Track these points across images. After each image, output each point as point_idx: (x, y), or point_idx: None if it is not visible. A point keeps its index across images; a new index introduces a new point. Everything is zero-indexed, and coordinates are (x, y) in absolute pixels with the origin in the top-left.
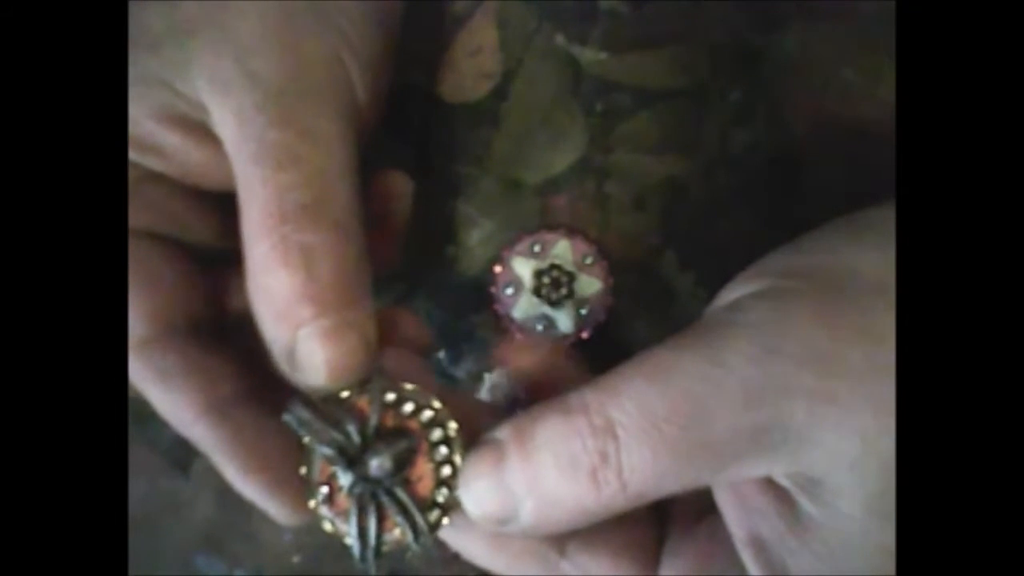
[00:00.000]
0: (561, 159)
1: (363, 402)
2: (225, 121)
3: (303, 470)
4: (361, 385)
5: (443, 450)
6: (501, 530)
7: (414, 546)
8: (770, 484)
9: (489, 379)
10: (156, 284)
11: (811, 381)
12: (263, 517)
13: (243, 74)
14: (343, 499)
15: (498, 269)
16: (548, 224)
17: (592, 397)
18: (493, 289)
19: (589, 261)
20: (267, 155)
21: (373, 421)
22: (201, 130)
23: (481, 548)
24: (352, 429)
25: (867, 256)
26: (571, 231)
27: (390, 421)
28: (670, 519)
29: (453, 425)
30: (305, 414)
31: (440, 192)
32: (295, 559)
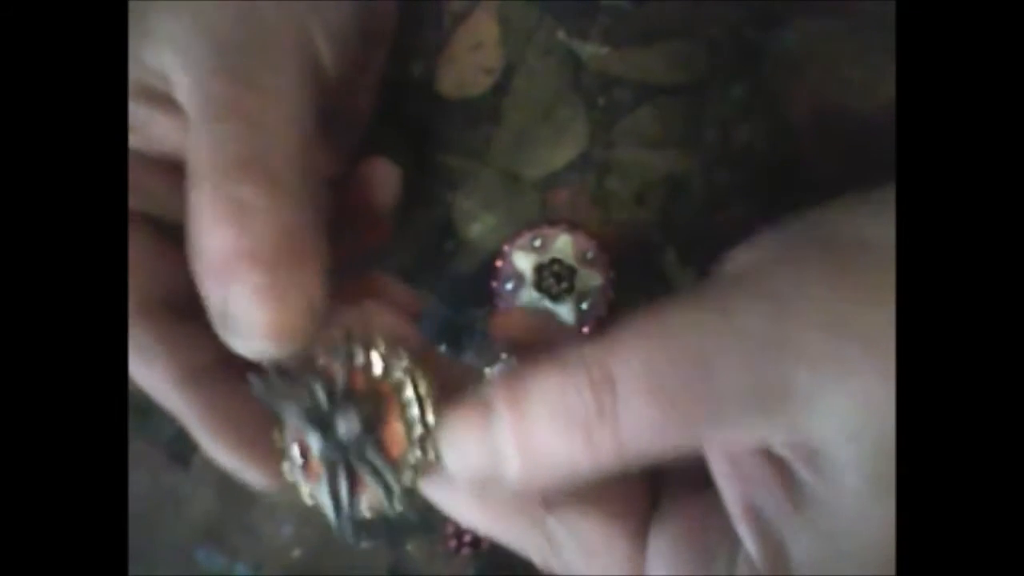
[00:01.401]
0: (562, 154)
1: (331, 364)
2: (181, 82)
3: (275, 437)
4: (329, 347)
5: (415, 409)
6: (484, 490)
7: (389, 509)
8: (768, 455)
9: (491, 374)
10: (144, 260)
11: (819, 343)
12: (263, 511)
13: (199, 31)
14: (316, 464)
15: (499, 263)
16: (549, 219)
17: (591, 350)
18: (494, 283)
19: (590, 256)
20: (211, 107)
21: (340, 382)
22: (168, 102)
23: (465, 505)
24: (320, 392)
25: (877, 227)
26: (572, 226)
27: (360, 382)
28: (663, 493)
29: (425, 383)
30: (271, 380)
31: (440, 187)
32: (295, 553)
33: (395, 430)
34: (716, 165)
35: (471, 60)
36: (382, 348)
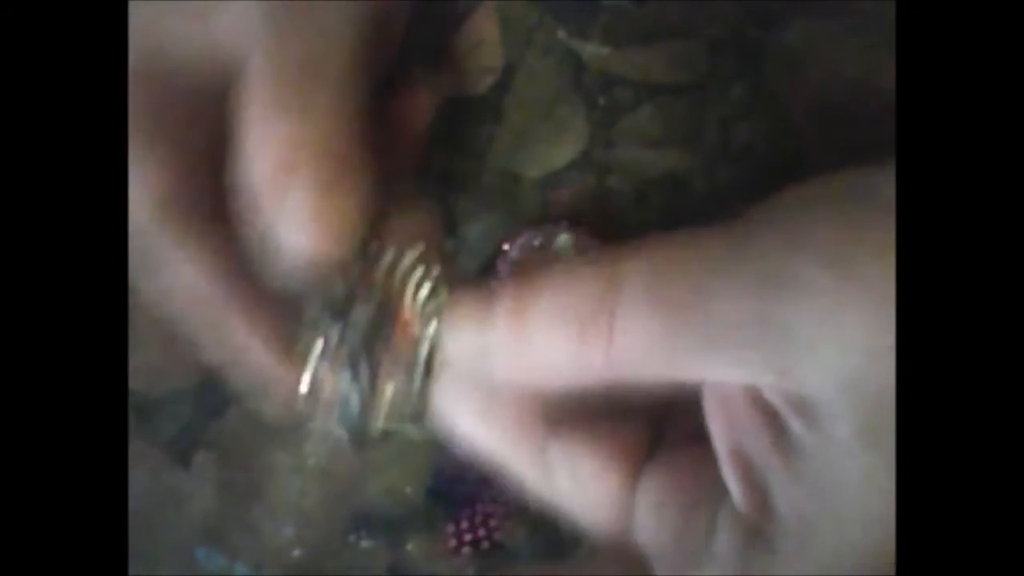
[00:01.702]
0: (563, 153)
1: (342, 264)
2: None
3: (298, 332)
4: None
5: (427, 288)
6: (476, 366)
7: (406, 402)
8: (760, 401)
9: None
10: (183, 149)
11: (825, 282)
12: (263, 511)
13: None
14: (337, 353)
15: (500, 263)
16: (550, 218)
17: (606, 254)
18: (495, 282)
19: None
20: (274, 19)
21: (355, 271)
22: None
23: (470, 420)
24: (337, 282)
25: (890, 188)
26: (573, 225)
27: (374, 273)
28: (662, 442)
29: (436, 264)
30: (292, 276)
31: (441, 186)
32: (295, 553)
33: (409, 313)
34: (717, 164)
35: (472, 60)
36: (395, 239)
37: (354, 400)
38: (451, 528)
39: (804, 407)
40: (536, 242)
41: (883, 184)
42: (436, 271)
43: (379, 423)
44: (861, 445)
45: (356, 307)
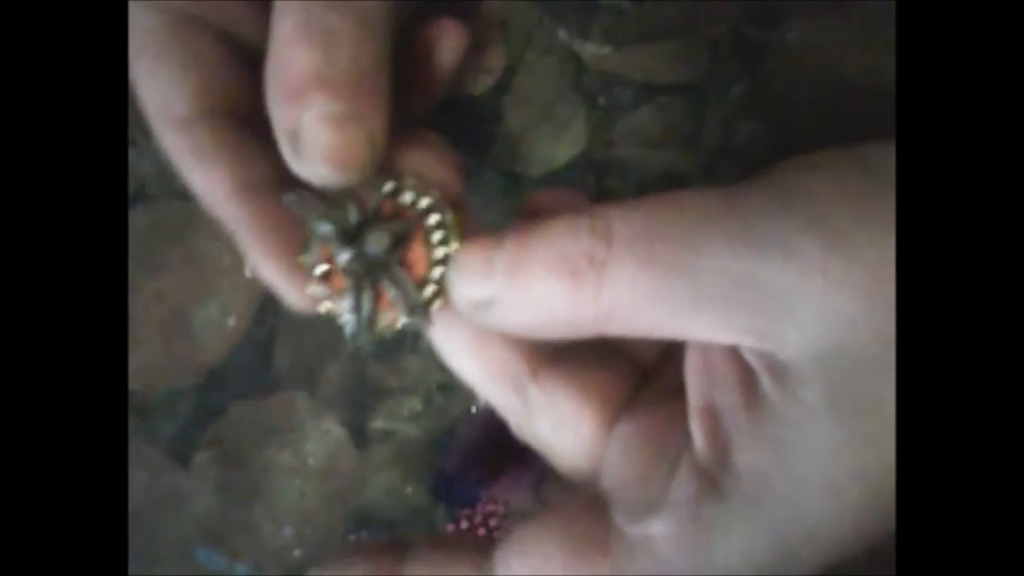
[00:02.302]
0: (563, 153)
1: (362, 190)
2: None
3: (303, 253)
4: (387, 179)
5: (439, 234)
6: (478, 315)
7: (406, 325)
8: (738, 360)
9: None
10: (200, 65)
11: (812, 249)
12: (263, 511)
13: None
14: (340, 278)
15: None
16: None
17: (602, 207)
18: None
19: None
20: None
21: (372, 203)
22: None
23: (461, 353)
24: (352, 210)
25: (887, 154)
26: None
27: (389, 208)
28: (643, 392)
29: (450, 213)
30: (306, 196)
31: None
32: (295, 553)
33: (419, 252)
34: (716, 164)
35: (471, 60)
36: (413, 181)
37: (350, 326)
38: (451, 528)
39: (778, 369)
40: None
41: (881, 158)
42: (449, 218)
43: (370, 347)
44: (829, 413)
45: (367, 238)
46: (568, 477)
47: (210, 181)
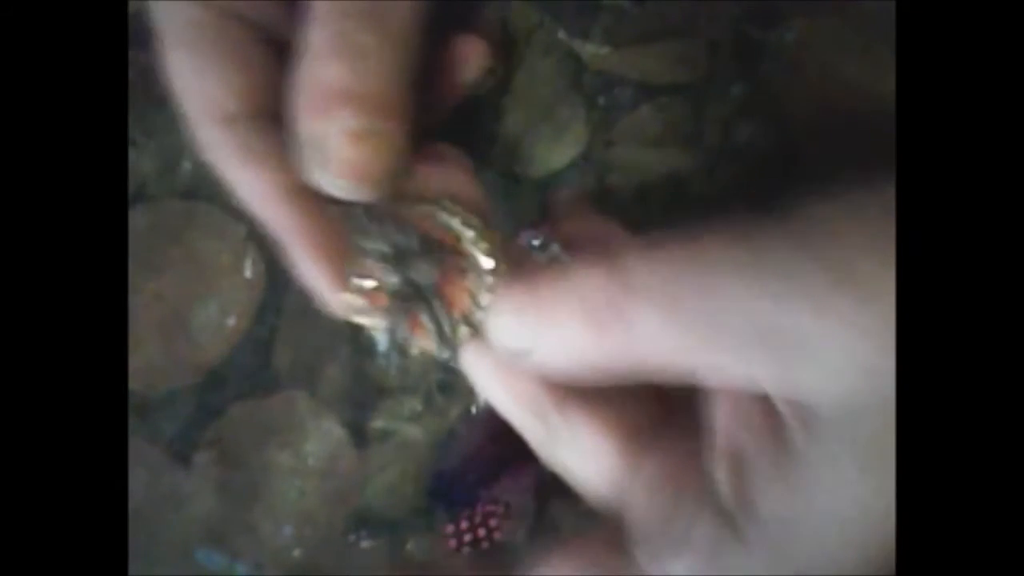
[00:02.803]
0: (563, 153)
1: (426, 218)
2: None
3: (352, 264)
4: (428, 202)
5: (488, 279)
6: (515, 361)
7: (438, 354)
8: (765, 402)
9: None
10: (250, 62)
11: (835, 296)
12: (263, 511)
13: None
14: (382, 296)
15: None
16: (549, 218)
17: (624, 249)
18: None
19: None
20: None
21: (431, 234)
22: None
23: (491, 380)
24: (411, 236)
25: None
26: None
27: (446, 240)
28: (670, 425)
29: (502, 260)
30: (368, 214)
31: None
32: (295, 553)
33: (463, 288)
34: (716, 164)
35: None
36: (475, 220)
37: (383, 344)
38: (451, 528)
39: (805, 414)
40: (536, 242)
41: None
42: (501, 267)
43: (398, 367)
44: (855, 463)
45: (417, 265)
46: (592, 505)
47: (259, 182)
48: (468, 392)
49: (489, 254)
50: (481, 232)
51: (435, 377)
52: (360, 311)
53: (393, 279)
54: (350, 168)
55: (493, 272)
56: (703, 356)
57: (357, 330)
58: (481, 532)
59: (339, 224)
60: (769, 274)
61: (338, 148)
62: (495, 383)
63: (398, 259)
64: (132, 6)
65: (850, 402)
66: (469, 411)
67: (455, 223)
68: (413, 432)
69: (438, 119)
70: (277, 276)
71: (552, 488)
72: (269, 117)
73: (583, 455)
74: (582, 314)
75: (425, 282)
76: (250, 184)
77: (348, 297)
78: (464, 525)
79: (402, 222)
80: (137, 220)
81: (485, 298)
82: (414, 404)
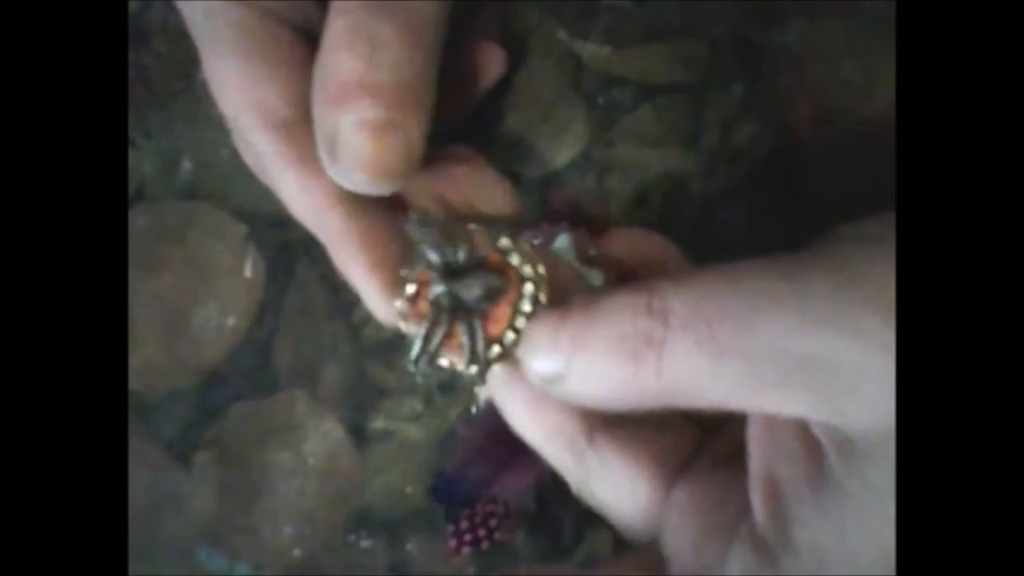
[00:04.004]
0: (562, 153)
1: (479, 236)
2: None
3: (404, 271)
4: (486, 224)
5: (527, 305)
6: (547, 388)
7: (466, 371)
8: (806, 432)
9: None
10: (298, 68)
11: (874, 328)
12: (263, 511)
13: None
14: (424, 305)
15: None
16: (549, 218)
17: (661, 282)
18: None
19: (591, 254)
20: None
21: (481, 252)
22: None
23: (521, 413)
24: (462, 251)
25: None
26: (572, 225)
27: (493, 259)
28: (704, 452)
29: (546, 290)
30: (429, 220)
31: None
32: (295, 553)
33: (503, 313)
34: (716, 164)
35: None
36: (526, 245)
37: (415, 351)
38: (451, 528)
39: (845, 445)
40: (536, 242)
41: None
42: (544, 294)
43: (423, 376)
44: (892, 492)
45: (465, 281)
46: (629, 536)
47: (309, 188)
48: (468, 392)
49: (533, 280)
50: (527, 257)
51: (435, 377)
52: (403, 316)
53: (438, 289)
54: (365, 161)
55: (534, 298)
56: (739, 387)
57: (357, 330)
58: (481, 532)
59: (390, 231)
60: (807, 305)
61: (352, 140)
62: (526, 417)
63: (446, 271)
64: (132, 6)
65: (884, 428)
66: (469, 411)
67: (505, 244)
68: (413, 432)
69: (452, 123)
70: (277, 276)
71: (552, 488)
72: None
73: (616, 489)
74: (615, 343)
75: (468, 297)
76: (300, 190)
77: (397, 302)
78: (464, 525)
79: (454, 235)
80: (137, 220)
81: (521, 321)
82: (414, 404)
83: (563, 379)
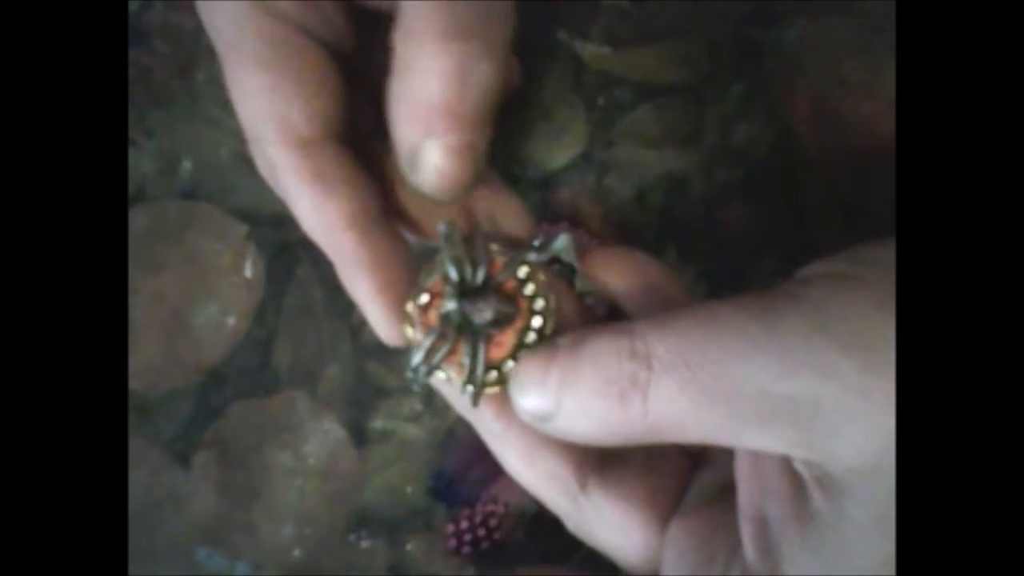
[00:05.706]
0: (562, 153)
1: (500, 260)
2: None
3: (422, 275)
4: (511, 249)
5: (532, 336)
6: (536, 425)
7: (462, 388)
8: (789, 469)
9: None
10: (322, 85)
11: (850, 370)
12: (263, 511)
13: None
14: (434, 317)
15: None
16: (549, 218)
17: (643, 326)
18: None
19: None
20: None
21: (499, 279)
22: None
23: (514, 458)
24: (480, 273)
25: None
26: (573, 225)
27: (508, 286)
28: (695, 484)
29: (551, 325)
30: (455, 234)
31: None
32: (295, 553)
33: (508, 340)
34: (716, 164)
35: None
36: (543, 277)
37: (415, 359)
38: (451, 528)
39: (828, 483)
40: (536, 242)
41: None
42: (550, 328)
43: (431, 376)
44: (876, 529)
45: (476, 303)
46: (629, 572)
47: (324, 209)
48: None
49: (543, 313)
50: (541, 288)
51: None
52: (408, 319)
53: (450, 305)
54: (442, 177)
55: (540, 331)
56: (721, 426)
57: (357, 330)
58: (481, 532)
59: (400, 255)
60: (782, 348)
61: (433, 161)
62: (521, 463)
63: (461, 289)
64: (132, 6)
65: (874, 472)
66: None
67: (523, 273)
68: (413, 432)
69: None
70: (277, 276)
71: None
72: (340, 141)
73: (612, 532)
74: (602, 385)
75: (478, 319)
76: (315, 209)
77: (407, 306)
78: (464, 525)
79: (476, 255)
80: (137, 220)
81: (523, 352)
82: (414, 404)
83: (553, 417)
